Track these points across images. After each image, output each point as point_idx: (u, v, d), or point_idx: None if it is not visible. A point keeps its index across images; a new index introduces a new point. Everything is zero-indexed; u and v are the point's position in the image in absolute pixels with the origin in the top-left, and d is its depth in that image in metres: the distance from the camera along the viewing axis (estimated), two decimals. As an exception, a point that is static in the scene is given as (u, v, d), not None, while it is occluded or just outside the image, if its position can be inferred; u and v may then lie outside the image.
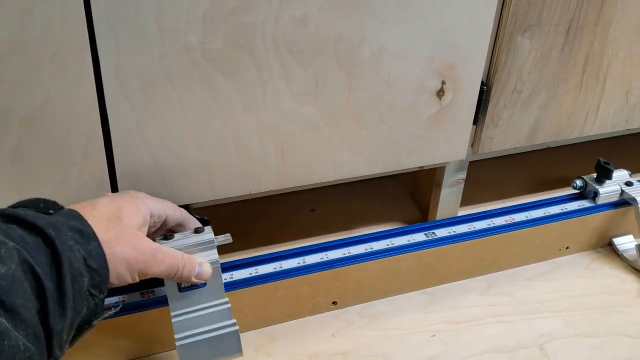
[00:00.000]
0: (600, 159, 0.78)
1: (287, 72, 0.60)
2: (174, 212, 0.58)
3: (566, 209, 0.77)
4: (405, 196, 0.89)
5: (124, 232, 0.50)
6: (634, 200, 0.76)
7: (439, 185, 0.79)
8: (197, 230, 0.58)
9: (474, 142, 0.75)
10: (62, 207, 0.49)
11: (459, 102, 0.70)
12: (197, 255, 0.57)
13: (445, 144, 0.73)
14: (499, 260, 0.76)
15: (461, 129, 0.72)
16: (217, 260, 0.57)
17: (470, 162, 0.79)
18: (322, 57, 0.61)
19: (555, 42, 0.70)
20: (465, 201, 0.85)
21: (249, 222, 0.83)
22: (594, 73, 0.75)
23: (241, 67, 0.58)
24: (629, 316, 0.71)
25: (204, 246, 0.57)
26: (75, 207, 0.50)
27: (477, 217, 0.74)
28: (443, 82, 0.68)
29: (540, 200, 0.78)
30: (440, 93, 0.68)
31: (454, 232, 0.71)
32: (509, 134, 0.76)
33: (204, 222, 0.61)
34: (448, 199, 0.80)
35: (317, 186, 0.72)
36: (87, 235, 0.47)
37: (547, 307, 0.71)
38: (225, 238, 0.59)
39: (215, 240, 0.58)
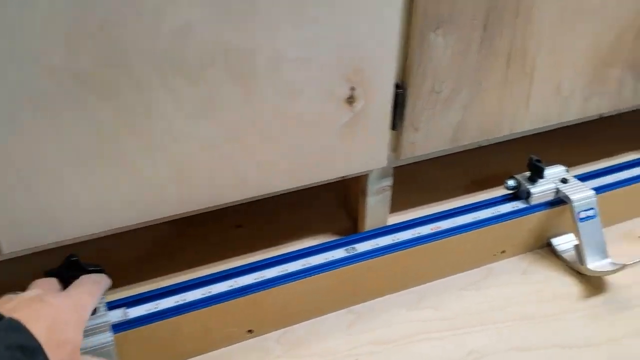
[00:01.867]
0: (532, 156, 0.74)
1: (173, 89, 0.55)
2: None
3: (498, 211, 0.73)
4: (338, 206, 0.85)
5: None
6: (568, 198, 0.72)
7: (364, 194, 0.75)
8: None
9: (396, 148, 0.71)
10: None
11: (372, 108, 0.65)
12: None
13: (364, 152, 0.68)
14: (429, 270, 0.71)
15: (378, 136, 0.67)
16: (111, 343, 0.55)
17: (406, 165, 0.75)
18: (212, 70, 0.55)
19: (473, 37, 0.66)
20: (401, 206, 0.81)
21: (170, 245, 0.78)
22: (519, 67, 0.71)
23: (119, 87, 0.53)
24: (566, 324, 0.67)
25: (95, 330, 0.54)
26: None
27: (401, 227, 0.70)
28: (352, 88, 0.63)
29: (469, 204, 0.74)
30: (350, 100, 0.63)
31: (377, 245, 0.67)
32: (432, 136, 0.71)
33: (97, 271, 0.57)
34: (375, 207, 0.76)
35: (244, 201, 0.67)
36: (30, 350, 0.40)
37: (479, 319, 0.67)
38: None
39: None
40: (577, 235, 0.72)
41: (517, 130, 0.77)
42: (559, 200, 0.74)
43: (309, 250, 0.66)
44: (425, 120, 0.69)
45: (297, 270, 0.63)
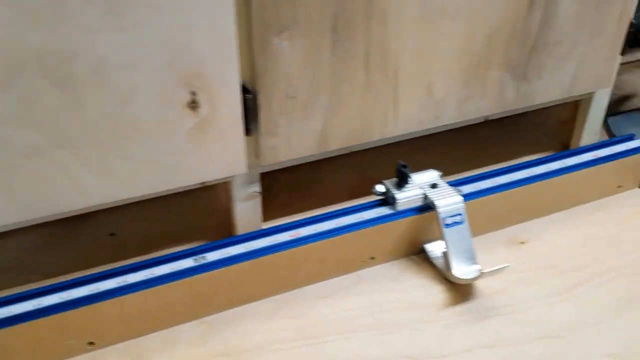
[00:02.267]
0: (399, 162, 0.73)
1: (-16, 95, 0.53)
2: None
3: (362, 217, 0.71)
4: (219, 210, 0.83)
5: None
6: (434, 204, 0.71)
7: (232, 201, 0.73)
8: None
9: (257, 154, 0.69)
10: None
11: (219, 113, 0.63)
12: None
13: (219, 158, 0.66)
14: (288, 279, 0.70)
15: (232, 142, 0.66)
16: None
17: (288, 169, 0.74)
18: (25, 75, 0.53)
19: (323, 41, 0.64)
20: (283, 212, 0.80)
21: (37, 255, 0.76)
22: (381, 70, 0.69)
23: None
24: (422, 333, 0.65)
25: None
26: None
27: (256, 236, 0.68)
28: (194, 93, 0.61)
29: (333, 211, 0.72)
30: (193, 105, 0.61)
31: (228, 254, 0.65)
32: (294, 142, 0.70)
33: None
34: (246, 213, 0.74)
35: (118, 204, 0.65)
36: None
37: (336, 328, 0.66)
38: None
39: None
40: (444, 241, 0.70)
41: (388, 134, 0.75)
42: (427, 206, 0.72)
43: (156, 260, 0.64)
44: (284, 126, 0.68)
45: (139, 282, 0.61)
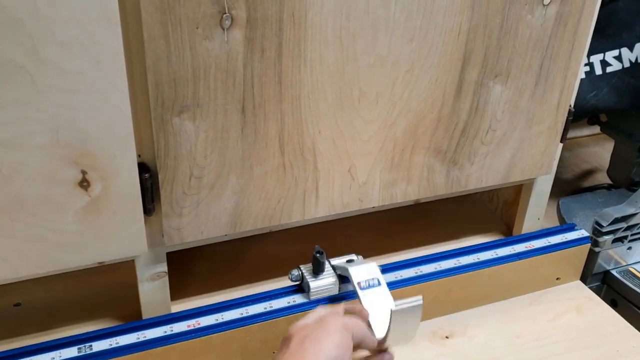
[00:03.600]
0: (317, 247, 0.69)
1: None
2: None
3: (271, 306, 0.67)
4: (127, 286, 0.78)
5: None
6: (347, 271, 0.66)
7: (137, 281, 0.69)
8: None
9: (162, 233, 0.66)
10: None
11: (114, 192, 0.60)
12: None
13: (115, 237, 0.62)
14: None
15: (129, 221, 0.62)
16: None
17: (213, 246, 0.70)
18: None
19: (231, 122, 0.61)
20: (196, 289, 0.76)
21: None
22: (297, 152, 0.66)
23: None
24: None
25: None
26: None
27: (151, 324, 0.64)
28: (84, 172, 0.58)
29: (239, 298, 0.68)
30: (84, 184, 0.58)
31: (117, 344, 0.61)
32: (203, 222, 0.66)
33: None
34: (152, 294, 0.69)
35: (9, 281, 0.61)
36: None
37: None
38: None
39: None
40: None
41: (310, 216, 0.72)
42: (342, 296, 0.68)
43: (35, 347, 0.60)
44: (191, 206, 0.64)
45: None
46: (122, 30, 0.53)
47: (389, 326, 0.57)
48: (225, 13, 0.55)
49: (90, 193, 0.59)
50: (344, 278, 0.69)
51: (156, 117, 0.58)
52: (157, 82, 0.56)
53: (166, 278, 0.70)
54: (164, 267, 0.69)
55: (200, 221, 0.66)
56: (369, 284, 0.65)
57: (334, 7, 0.60)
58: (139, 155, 0.61)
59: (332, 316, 0.55)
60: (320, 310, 0.57)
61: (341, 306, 0.59)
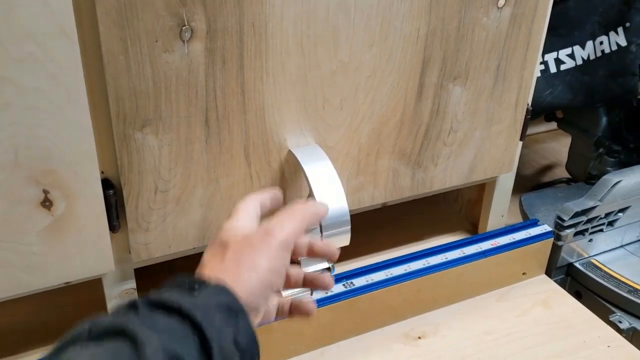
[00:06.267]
0: (286, 256, 0.69)
1: None
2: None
3: (244, 318, 0.67)
4: (94, 309, 0.76)
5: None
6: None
7: (104, 299, 0.68)
8: None
9: (129, 250, 0.65)
10: (207, 283, 0.44)
11: (77, 210, 0.58)
12: None
13: (81, 256, 0.61)
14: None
15: (94, 239, 0.61)
16: None
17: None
18: None
19: (195, 135, 0.61)
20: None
21: None
22: (264, 161, 0.66)
23: None
24: None
25: None
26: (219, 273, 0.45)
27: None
28: (46, 191, 0.56)
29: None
30: (46, 203, 0.57)
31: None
32: (171, 237, 0.65)
33: None
34: (120, 311, 0.69)
35: None
36: (235, 311, 0.43)
37: None
38: None
39: None
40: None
41: (278, 225, 0.72)
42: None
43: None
44: (157, 221, 0.63)
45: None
46: (80, 46, 0.53)
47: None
48: (185, 25, 0.55)
49: (53, 212, 0.57)
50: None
51: (118, 133, 0.57)
52: (118, 97, 0.55)
53: (135, 295, 0.69)
54: (132, 284, 0.68)
55: (168, 236, 0.65)
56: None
57: (294, 16, 0.60)
58: (102, 172, 0.60)
59: (280, 231, 0.48)
60: (270, 222, 0.49)
61: (298, 213, 0.50)
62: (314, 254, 0.52)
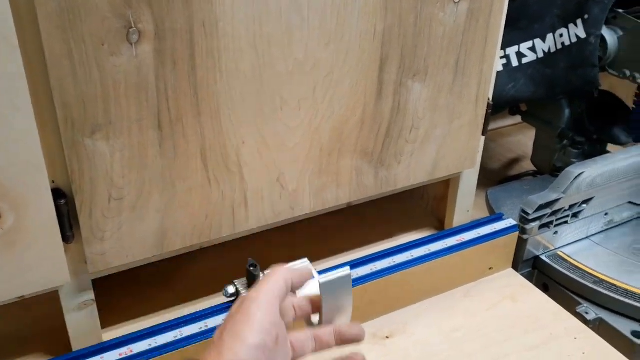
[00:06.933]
0: (249, 260, 0.68)
1: None
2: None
3: (207, 325, 0.65)
4: (53, 322, 0.74)
5: None
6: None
7: (62, 312, 0.66)
8: None
9: (85, 260, 0.63)
10: None
11: (28, 222, 0.56)
12: None
13: (34, 269, 0.59)
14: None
15: (47, 251, 0.59)
16: None
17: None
18: None
19: (147, 139, 0.59)
20: (131, 313, 0.73)
21: None
22: (221, 165, 0.65)
23: None
24: None
25: None
26: None
27: (78, 357, 0.61)
28: (-7, 204, 0.54)
29: (173, 320, 0.66)
30: (-6, 216, 0.55)
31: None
32: (128, 245, 0.63)
33: None
34: (80, 324, 0.66)
35: None
36: None
37: None
38: None
39: None
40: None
41: (241, 229, 0.70)
42: (281, 307, 0.67)
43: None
44: (112, 230, 0.62)
45: None
46: (22, 51, 0.51)
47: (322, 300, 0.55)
48: (132, 27, 0.53)
49: (2, 226, 0.55)
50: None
51: (67, 140, 0.55)
52: (65, 103, 0.53)
53: (94, 306, 0.67)
54: (90, 295, 0.66)
55: (125, 244, 0.63)
56: None
57: (246, 15, 0.58)
58: (53, 181, 0.58)
59: (255, 292, 0.47)
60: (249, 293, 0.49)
61: (276, 272, 0.49)
62: (342, 341, 0.52)
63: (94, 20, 0.52)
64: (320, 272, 0.57)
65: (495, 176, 1.17)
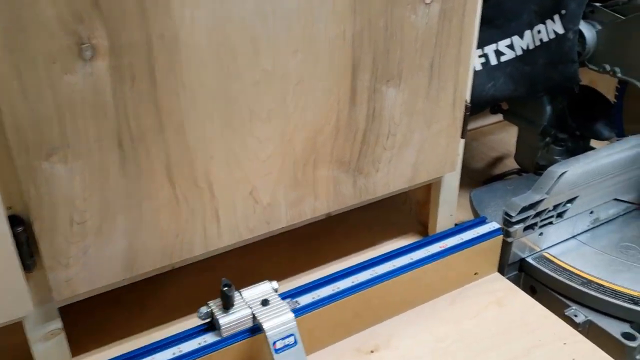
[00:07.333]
0: (223, 280, 0.65)
1: None
2: None
3: (180, 351, 0.62)
4: (22, 352, 0.71)
5: None
6: (262, 326, 0.63)
7: (29, 342, 0.63)
8: None
9: (49, 289, 0.60)
10: None
11: (-17, 253, 0.54)
12: None
13: (-5, 301, 0.56)
14: None
15: (6, 282, 0.56)
16: None
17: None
18: None
19: (108, 159, 0.56)
20: (106, 338, 0.70)
21: None
22: (190, 181, 0.62)
23: None
24: None
25: None
26: None
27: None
28: (-56, 235, 0.51)
29: (146, 346, 0.63)
30: (-54, 248, 0.52)
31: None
32: (95, 270, 0.60)
33: None
34: (48, 354, 0.63)
35: None
36: None
37: None
38: None
39: None
40: (276, 368, 0.62)
41: (214, 247, 0.67)
42: (258, 328, 0.65)
43: None
44: (77, 255, 0.59)
45: None
46: (-33, 73, 0.48)
47: None
48: (84, 43, 0.50)
49: (-45, 257, 0.52)
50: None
51: (22, 165, 0.52)
52: (18, 126, 0.50)
53: (62, 335, 0.64)
54: (57, 324, 0.63)
55: (92, 269, 0.60)
56: (285, 345, 0.63)
57: (206, 26, 0.56)
58: (10, 207, 0.55)
59: None
60: None
61: None
62: None
63: (43, 38, 0.49)
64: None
65: (479, 176, 1.15)
